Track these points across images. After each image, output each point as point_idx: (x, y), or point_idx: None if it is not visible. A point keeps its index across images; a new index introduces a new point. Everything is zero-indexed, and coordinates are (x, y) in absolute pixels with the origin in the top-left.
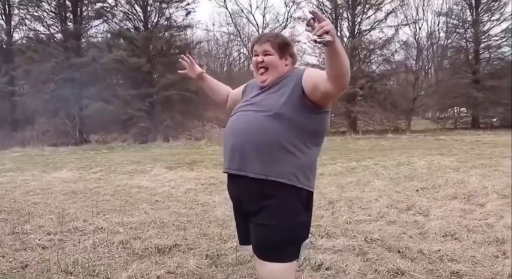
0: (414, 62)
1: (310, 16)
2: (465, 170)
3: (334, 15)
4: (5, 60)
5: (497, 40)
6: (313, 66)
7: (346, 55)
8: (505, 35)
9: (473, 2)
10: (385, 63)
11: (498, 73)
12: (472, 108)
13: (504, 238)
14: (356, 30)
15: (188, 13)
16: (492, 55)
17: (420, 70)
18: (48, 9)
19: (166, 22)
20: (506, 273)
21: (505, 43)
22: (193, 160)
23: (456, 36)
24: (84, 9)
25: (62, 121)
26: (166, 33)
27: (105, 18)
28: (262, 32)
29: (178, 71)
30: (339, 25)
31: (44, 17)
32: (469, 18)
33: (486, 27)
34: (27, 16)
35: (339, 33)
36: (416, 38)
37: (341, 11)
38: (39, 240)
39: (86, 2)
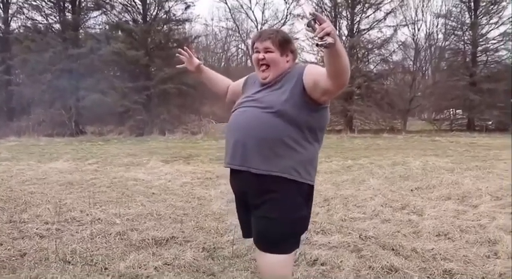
0: (412, 63)
1: (310, 15)
2: (459, 172)
3: (333, 13)
4: (2, 49)
5: (494, 43)
6: (311, 63)
7: (346, 53)
8: (503, 38)
9: (472, 4)
10: (383, 62)
11: (495, 76)
12: (468, 110)
13: (496, 239)
14: (355, 29)
15: (187, 7)
16: (489, 59)
17: (417, 71)
18: None
19: (165, 15)
20: (497, 272)
21: (502, 46)
22: (189, 154)
23: (454, 38)
24: (83, 0)
25: (58, 111)
26: (165, 26)
27: (104, 10)
28: (261, 28)
29: (177, 66)
30: (338, 23)
31: (43, 6)
32: (468, 21)
33: (484, 30)
34: (25, 5)
35: (337, 32)
36: (415, 38)
37: (340, 9)
38: (36, 229)
39: None
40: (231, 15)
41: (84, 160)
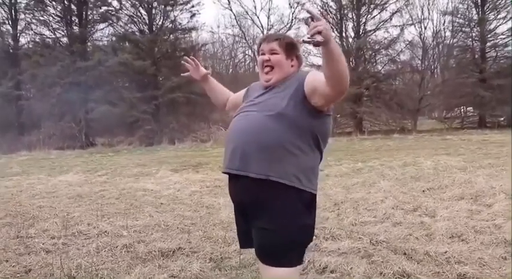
0: (420, 62)
1: (308, 15)
2: (472, 170)
3: (339, 15)
4: (12, 65)
5: (503, 38)
6: (318, 67)
7: (345, 59)
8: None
9: (479, 0)
10: (391, 63)
11: (505, 71)
12: (478, 107)
13: None
14: (361, 31)
15: (193, 15)
16: (499, 54)
17: (426, 70)
18: (53, 14)
19: (171, 25)
20: None
21: (511, 41)
22: (198, 163)
23: (462, 35)
24: (89, 13)
25: (68, 124)
26: (171, 35)
27: (110, 22)
28: (267, 33)
29: (182, 74)
30: (344, 25)
31: (50, 21)
32: (475, 17)
33: (492, 26)
34: (33, 21)
35: (344, 34)
36: (422, 37)
37: (346, 11)
38: (43, 244)
39: (91, 5)
40: (237, 22)
41: (93, 172)
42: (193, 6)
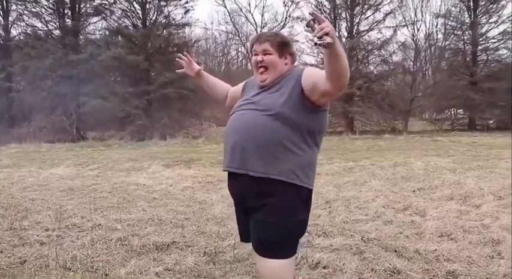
0: (412, 63)
1: (309, 16)
2: (461, 172)
3: (332, 15)
4: (3, 56)
5: (494, 42)
6: (311, 65)
7: (345, 55)
8: (503, 37)
9: (471, 4)
10: (383, 63)
11: (495, 75)
12: (469, 109)
13: (499, 239)
14: (354, 31)
15: (187, 11)
16: (489, 58)
17: (418, 72)
18: (46, 6)
19: (164, 20)
20: (501, 273)
21: (502, 45)
22: (190, 158)
23: (454, 38)
24: (82, 6)
25: (59, 117)
26: (164, 31)
27: (104, 15)
28: (260, 31)
29: (176, 70)
30: (337, 25)
31: (42, 13)
32: (467, 20)
33: (484, 30)
34: (25, 12)
35: (337, 33)
36: (415, 39)
37: (340, 11)
38: (37, 236)
39: None
40: (231, 19)
41: (85, 166)
42: (187, 2)
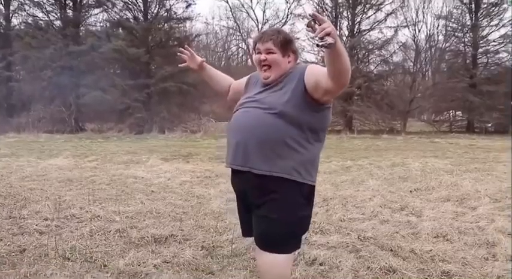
0: (412, 64)
1: (310, 16)
2: (459, 174)
3: (334, 13)
4: (3, 45)
5: (495, 45)
6: (312, 63)
7: (347, 53)
8: (503, 40)
9: (473, 6)
10: (383, 63)
11: (495, 78)
12: (467, 112)
13: (494, 241)
14: (355, 30)
15: (188, 5)
16: (490, 61)
17: (418, 73)
18: None
19: (166, 13)
20: (495, 274)
21: (503, 49)
22: (189, 153)
23: (455, 40)
24: None
25: (58, 108)
26: (165, 24)
27: (105, 7)
28: (262, 27)
29: (179, 65)
30: (338, 24)
31: (44, 3)
32: (468, 23)
33: (485, 32)
34: (27, 1)
35: (338, 32)
36: (415, 39)
37: (341, 9)
38: (36, 225)
39: None
40: (232, 14)
41: (83, 157)
42: None
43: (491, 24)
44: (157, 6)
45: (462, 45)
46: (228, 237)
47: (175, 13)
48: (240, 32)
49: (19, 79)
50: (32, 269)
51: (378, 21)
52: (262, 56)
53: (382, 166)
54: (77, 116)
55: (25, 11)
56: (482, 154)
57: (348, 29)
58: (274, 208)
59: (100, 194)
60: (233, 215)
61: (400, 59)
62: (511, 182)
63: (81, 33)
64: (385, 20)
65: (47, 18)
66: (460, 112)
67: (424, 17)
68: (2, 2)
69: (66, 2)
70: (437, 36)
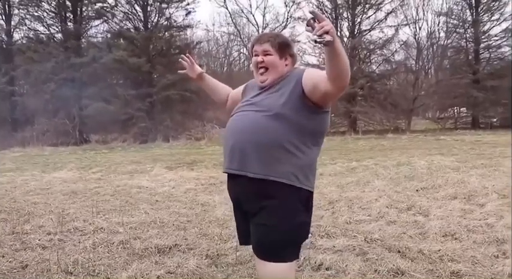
0: (414, 62)
1: (310, 16)
2: (465, 170)
3: (334, 15)
4: (5, 60)
5: (497, 40)
6: (313, 66)
7: (346, 55)
8: (505, 35)
9: (473, 2)
10: (385, 63)
11: (498, 73)
12: (472, 108)
13: (504, 238)
14: (356, 30)
15: (188, 13)
16: (492, 56)
17: (420, 70)
18: (48, 9)
19: (166, 22)
20: (506, 273)
21: (505, 43)
22: (193, 160)
23: (456, 36)
24: (84, 9)
25: (62, 121)
26: (166, 33)
27: (105, 18)
28: (262, 32)
29: (178, 71)
30: (339, 25)
31: (44, 17)
32: (469, 18)
33: (486, 27)
34: (27, 16)
35: (338, 33)
36: (416, 37)
37: (341, 10)
38: (39, 240)
39: (86, 2)
40: (232, 20)
41: (88, 169)
42: (188, 4)
43: (492, 19)
44: (157, 15)
45: (464, 41)
46: (233, 245)
47: (175, 21)
48: (240, 37)
49: (22, 94)
50: None
51: (378, 21)
52: (260, 58)
53: (387, 165)
54: (81, 128)
55: (26, 25)
56: (489, 150)
57: (348, 30)
58: (271, 214)
59: (104, 205)
60: None
61: (402, 58)
62: None
63: (82, 45)
64: (386, 19)
65: (48, 32)
66: (464, 108)
67: (424, 14)
68: (3, 18)
69: (67, 15)
70: (439, 33)
